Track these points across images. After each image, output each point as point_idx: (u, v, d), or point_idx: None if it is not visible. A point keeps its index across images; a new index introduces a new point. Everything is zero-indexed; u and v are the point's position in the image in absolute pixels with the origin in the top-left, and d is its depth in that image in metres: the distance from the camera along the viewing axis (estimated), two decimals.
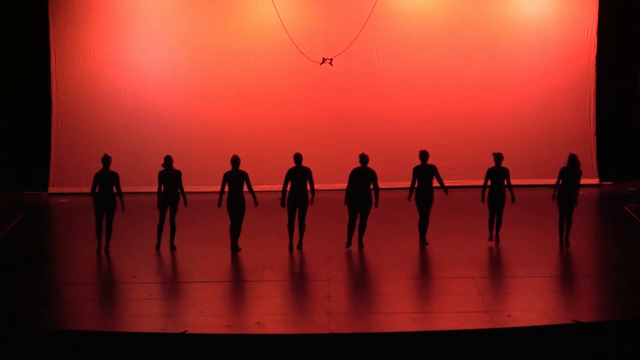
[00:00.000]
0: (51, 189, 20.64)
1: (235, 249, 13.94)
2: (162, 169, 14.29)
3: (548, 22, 20.64)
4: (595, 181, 20.61)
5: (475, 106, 20.67)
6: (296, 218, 14.09)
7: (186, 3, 20.71)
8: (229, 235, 13.98)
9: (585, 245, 14.59)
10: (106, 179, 14.14)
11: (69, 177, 20.57)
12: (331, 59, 18.90)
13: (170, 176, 14.25)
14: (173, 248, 14.23)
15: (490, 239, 14.30)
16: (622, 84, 20.82)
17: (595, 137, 20.72)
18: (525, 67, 20.63)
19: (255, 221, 15.14)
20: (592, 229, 16.78)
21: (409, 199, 14.35)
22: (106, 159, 14.24)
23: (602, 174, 20.69)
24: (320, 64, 19.01)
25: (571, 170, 14.06)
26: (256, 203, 13.95)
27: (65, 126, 20.67)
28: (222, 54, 20.56)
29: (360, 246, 14.10)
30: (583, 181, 19.98)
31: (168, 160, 14.30)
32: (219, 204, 14.03)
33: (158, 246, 14.22)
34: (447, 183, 19.28)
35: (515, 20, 20.69)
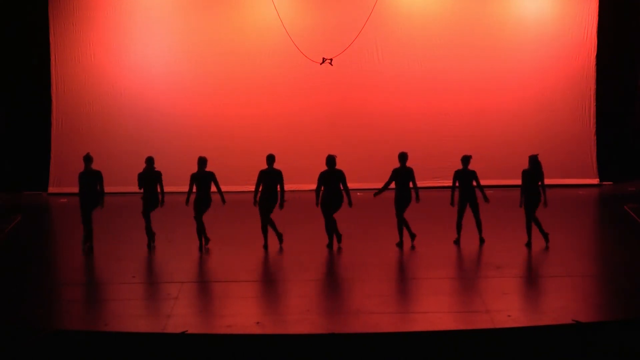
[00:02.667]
0: (51, 189, 20.66)
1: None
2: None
3: (548, 22, 20.66)
4: (595, 181, 20.61)
5: (475, 106, 20.69)
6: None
7: (186, 3, 20.72)
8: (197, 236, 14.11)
9: (585, 245, 14.58)
10: (90, 177, 14.13)
11: (69, 177, 20.51)
12: (331, 59, 18.91)
13: (149, 177, 14.22)
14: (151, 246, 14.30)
15: (457, 241, 14.22)
16: (622, 84, 20.84)
17: (595, 137, 20.73)
18: (525, 67, 20.64)
19: (255, 222, 15.12)
20: (592, 229, 16.76)
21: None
22: (89, 158, 14.22)
23: (602, 174, 20.70)
24: (320, 63, 19.03)
25: (532, 171, 13.97)
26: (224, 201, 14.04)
27: (65, 126, 20.70)
28: (222, 53, 20.59)
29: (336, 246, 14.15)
30: (583, 181, 20.20)
31: (148, 162, 14.28)
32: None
33: (149, 245, 14.26)
34: (446, 183, 19.43)
35: (515, 20, 20.71)
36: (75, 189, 20.27)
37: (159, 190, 14.19)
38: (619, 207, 17.40)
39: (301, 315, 10.69)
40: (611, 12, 20.46)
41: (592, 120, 20.74)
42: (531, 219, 13.95)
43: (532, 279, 12.34)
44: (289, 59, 20.04)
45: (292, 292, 12.08)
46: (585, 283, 12.30)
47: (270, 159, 14.08)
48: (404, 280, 12.54)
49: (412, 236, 14.14)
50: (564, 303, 11.15)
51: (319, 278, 12.48)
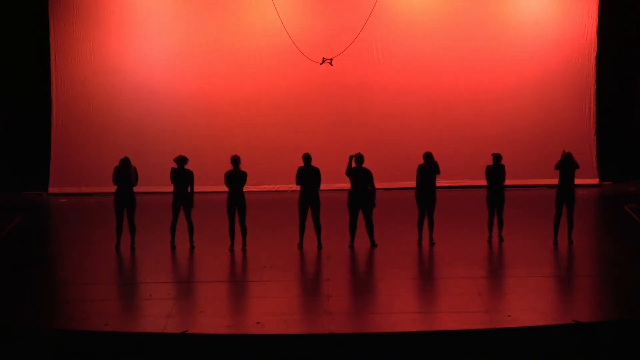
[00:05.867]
0: (51, 189, 20.64)
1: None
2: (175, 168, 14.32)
3: (548, 22, 20.64)
4: (595, 181, 20.60)
5: (475, 106, 20.66)
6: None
7: (186, 3, 20.70)
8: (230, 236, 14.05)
9: (585, 245, 14.58)
10: (126, 176, 14.17)
11: (69, 177, 20.57)
12: (331, 59, 18.89)
13: (182, 175, 14.21)
14: (192, 247, 14.20)
15: (490, 239, 14.27)
16: (622, 84, 20.82)
17: (595, 137, 20.71)
18: (525, 67, 20.62)
19: (255, 221, 15.13)
20: (592, 229, 16.76)
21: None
22: (127, 162, 14.28)
23: (602, 174, 20.68)
24: (320, 64, 19.01)
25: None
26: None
27: (66, 126, 20.67)
28: (222, 54, 20.56)
29: (373, 245, 14.13)
30: (583, 181, 20.16)
31: (179, 160, 14.26)
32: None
33: (172, 244, 14.20)
34: (447, 183, 19.46)
35: (515, 21, 20.69)
36: (75, 189, 20.46)
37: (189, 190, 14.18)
38: (619, 207, 17.41)
39: (301, 315, 10.70)
40: (611, 12, 20.45)
41: (592, 120, 20.72)
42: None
43: (532, 278, 12.33)
44: (289, 59, 20.02)
45: (292, 292, 12.09)
46: (585, 283, 12.31)
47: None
48: (403, 280, 12.53)
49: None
50: (564, 303, 11.17)
51: (319, 278, 12.47)
